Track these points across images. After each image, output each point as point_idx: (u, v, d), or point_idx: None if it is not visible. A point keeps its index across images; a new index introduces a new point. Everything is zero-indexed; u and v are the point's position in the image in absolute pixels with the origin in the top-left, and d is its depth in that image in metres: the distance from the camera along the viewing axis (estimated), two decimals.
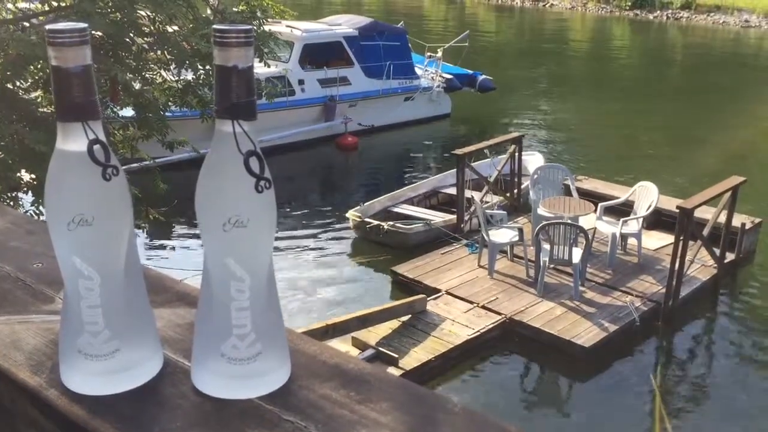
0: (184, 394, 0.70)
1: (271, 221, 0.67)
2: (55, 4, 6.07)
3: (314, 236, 10.49)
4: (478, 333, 7.32)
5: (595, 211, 8.92)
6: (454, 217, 9.79)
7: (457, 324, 7.47)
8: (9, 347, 0.78)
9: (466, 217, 9.73)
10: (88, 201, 0.66)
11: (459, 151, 9.75)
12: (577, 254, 7.85)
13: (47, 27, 0.64)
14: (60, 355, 0.73)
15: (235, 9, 6.27)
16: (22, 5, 6.31)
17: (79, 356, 0.70)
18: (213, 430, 0.65)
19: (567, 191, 9.83)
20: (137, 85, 6.02)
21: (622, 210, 9.23)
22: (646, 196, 8.93)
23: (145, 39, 5.87)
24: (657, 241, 9.32)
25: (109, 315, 0.70)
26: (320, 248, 10.12)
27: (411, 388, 0.72)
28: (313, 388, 0.71)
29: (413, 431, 0.65)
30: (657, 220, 9.51)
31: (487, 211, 9.05)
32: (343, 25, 15.83)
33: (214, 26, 0.63)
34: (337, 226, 10.64)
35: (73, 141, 0.66)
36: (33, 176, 5.43)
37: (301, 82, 14.29)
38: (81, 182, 0.66)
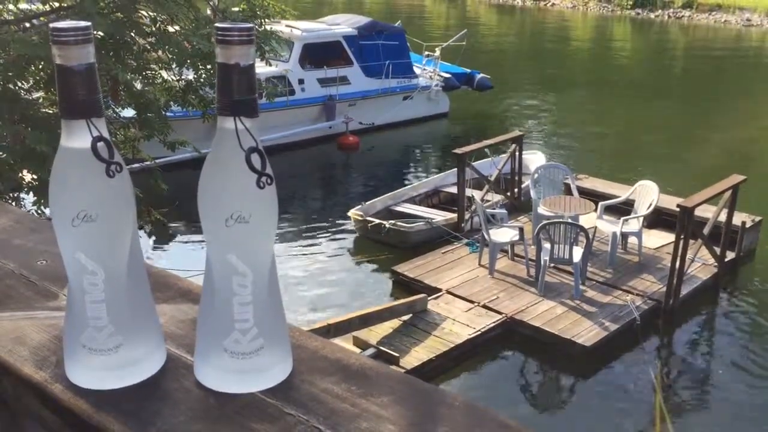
0: (187, 389, 0.71)
1: (272, 217, 0.68)
2: (56, 4, 6.07)
3: (315, 235, 10.49)
4: (479, 332, 7.32)
5: (596, 210, 8.92)
6: (455, 216, 9.80)
7: (458, 323, 7.47)
8: (14, 343, 0.79)
9: (467, 216, 9.73)
10: (92, 197, 0.67)
11: (459, 150, 9.74)
12: (577, 253, 7.85)
13: (51, 25, 0.65)
14: (64, 350, 0.73)
15: (235, 8, 6.27)
16: (23, 6, 6.31)
17: (83, 351, 0.71)
18: (216, 424, 0.66)
19: (567, 190, 9.83)
20: (138, 85, 6.02)
21: (623, 209, 9.23)
22: (647, 194, 8.92)
23: (147, 39, 5.86)
24: (657, 239, 9.32)
25: (113, 310, 0.71)
26: (321, 247, 10.13)
27: (411, 383, 0.73)
28: (315, 383, 0.71)
29: (414, 425, 0.66)
30: (657, 219, 9.50)
31: (487, 210, 9.05)
32: (342, 24, 15.85)
33: (216, 24, 0.64)
34: (339, 225, 10.65)
35: (77, 138, 0.66)
36: (35, 176, 5.43)
37: (301, 81, 14.31)
38: (85, 179, 0.67)
